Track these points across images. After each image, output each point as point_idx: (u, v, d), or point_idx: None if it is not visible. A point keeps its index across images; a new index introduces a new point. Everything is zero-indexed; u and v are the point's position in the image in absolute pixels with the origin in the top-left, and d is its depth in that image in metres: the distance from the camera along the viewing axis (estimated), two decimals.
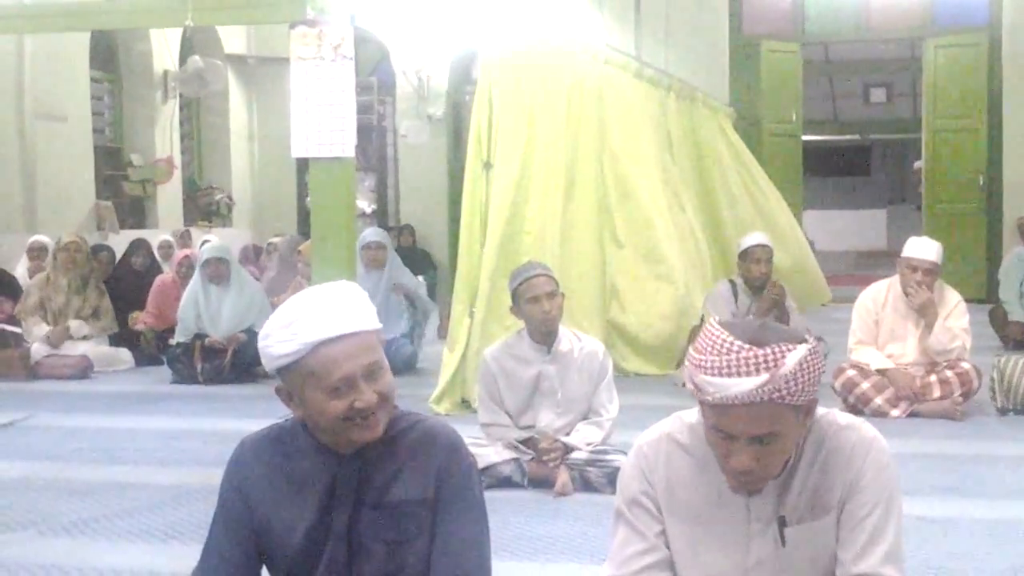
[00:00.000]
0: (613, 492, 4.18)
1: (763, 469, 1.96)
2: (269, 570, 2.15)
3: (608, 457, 4.33)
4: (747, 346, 1.86)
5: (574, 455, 4.37)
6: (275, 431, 2.16)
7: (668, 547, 2.08)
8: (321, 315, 1.99)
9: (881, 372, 5.93)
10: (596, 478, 4.31)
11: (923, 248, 5.90)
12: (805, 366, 1.87)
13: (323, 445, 2.08)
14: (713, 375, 1.87)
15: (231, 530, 2.12)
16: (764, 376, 1.85)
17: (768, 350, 1.86)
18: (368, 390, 2.01)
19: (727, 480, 2.00)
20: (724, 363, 1.86)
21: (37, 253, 9.00)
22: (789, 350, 1.86)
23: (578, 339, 4.53)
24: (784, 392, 1.86)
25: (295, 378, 2.02)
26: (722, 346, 1.87)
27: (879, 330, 6.04)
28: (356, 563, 2.07)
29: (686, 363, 1.95)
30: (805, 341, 1.90)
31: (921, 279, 5.82)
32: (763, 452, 1.92)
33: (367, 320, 2.04)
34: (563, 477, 4.31)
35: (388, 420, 2.07)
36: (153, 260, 9.31)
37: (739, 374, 1.85)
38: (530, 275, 4.38)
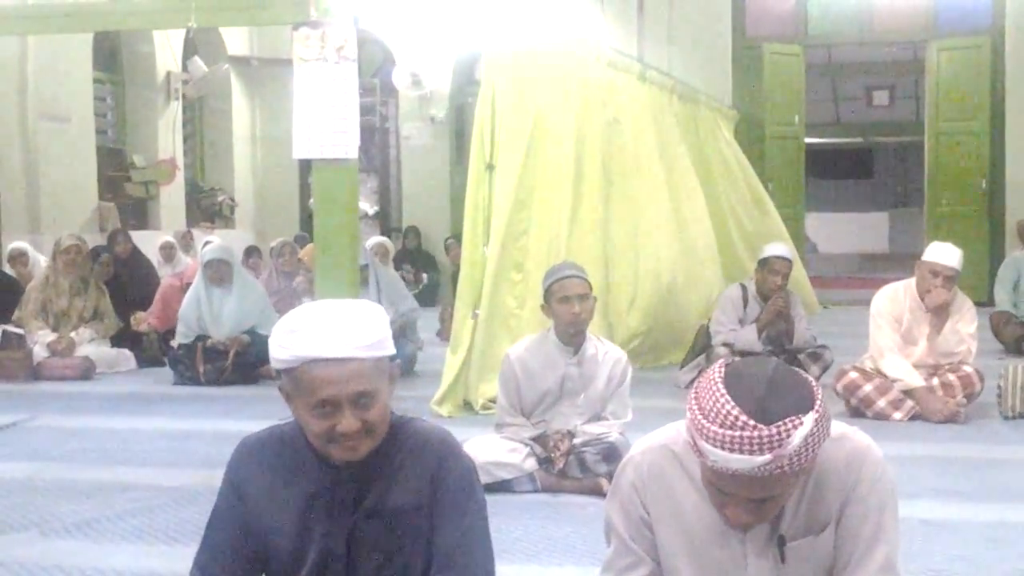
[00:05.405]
0: (608, 470, 4.26)
1: (759, 519, 1.95)
2: (266, 573, 2.14)
3: (601, 434, 4.40)
4: (752, 423, 1.80)
5: (574, 440, 4.42)
6: (276, 433, 2.13)
7: (659, 561, 2.06)
8: (320, 332, 1.93)
9: (908, 393, 5.84)
10: (591, 456, 4.35)
11: (947, 254, 5.84)
12: (810, 440, 1.82)
13: (321, 454, 2.05)
14: (715, 446, 1.83)
15: (227, 530, 2.10)
16: (768, 456, 1.80)
17: (774, 430, 1.80)
18: (352, 417, 1.95)
19: (722, 518, 1.98)
20: (727, 438, 1.81)
21: (17, 260, 8.91)
22: (796, 426, 1.81)
23: (601, 343, 4.56)
24: (786, 466, 1.83)
25: (290, 383, 1.99)
26: (726, 418, 1.81)
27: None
28: (351, 572, 2.05)
29: (687, 413, 1.90)
30: (814, 406, 1.84)
31: (942, 284, 5.78)
32: (760, 507, 1.91)
33: (369, 346, 1.95)
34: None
35: (375, 445, 2.01)
36: (136, 248, 9.29)
37: (742, 451, 1.81)
38: (563, 275, 4.37)
